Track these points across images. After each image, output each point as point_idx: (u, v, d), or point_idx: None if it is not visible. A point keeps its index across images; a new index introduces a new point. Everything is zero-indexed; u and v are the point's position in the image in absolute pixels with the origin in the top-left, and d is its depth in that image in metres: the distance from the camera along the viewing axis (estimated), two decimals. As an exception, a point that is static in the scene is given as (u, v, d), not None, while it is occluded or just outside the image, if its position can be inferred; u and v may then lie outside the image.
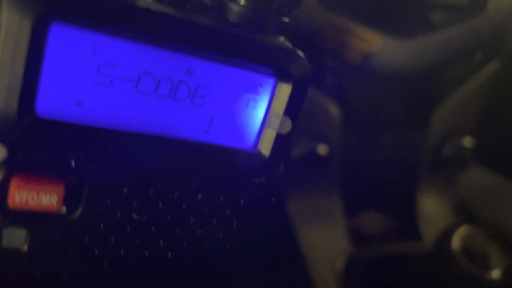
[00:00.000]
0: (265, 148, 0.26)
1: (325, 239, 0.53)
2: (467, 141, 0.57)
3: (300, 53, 0.25)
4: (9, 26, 0.19)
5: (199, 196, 0.26)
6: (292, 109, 0.25)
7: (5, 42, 0.19)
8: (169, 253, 0.26)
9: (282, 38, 0.25)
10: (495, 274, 0.43)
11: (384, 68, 0.50)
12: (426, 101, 0.55)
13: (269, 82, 0.25)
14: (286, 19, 0.25)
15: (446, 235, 0.46)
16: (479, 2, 0.52)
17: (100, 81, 0.21)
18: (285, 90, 0.25)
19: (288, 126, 0.26)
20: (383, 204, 0.58)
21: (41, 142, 0.21)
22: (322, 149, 0.51)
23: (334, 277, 0.51)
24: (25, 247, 0.22)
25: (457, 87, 0.56)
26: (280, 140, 0.26)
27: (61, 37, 0.20)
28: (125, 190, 0.24)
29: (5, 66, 0.19)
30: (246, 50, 0.23)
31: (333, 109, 0.51)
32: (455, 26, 0.52)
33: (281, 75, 0.25)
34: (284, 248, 0.53)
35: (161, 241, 0.25)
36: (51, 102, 0.21)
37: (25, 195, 0.21)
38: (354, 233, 0.55)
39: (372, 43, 0.49)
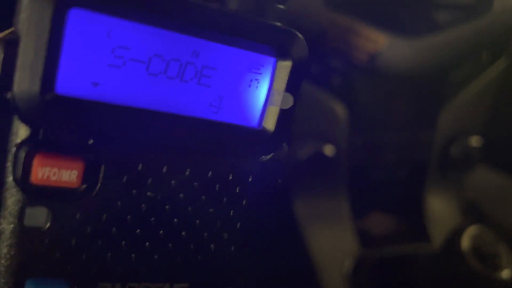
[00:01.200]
0: (270, 124, 0.27)
1: (333, 241, 0.53)
2: (475, 141, 0.57)
3: (298, 33, 0.26)
4: (32, 11, 0.20)
5: (210, 174, 0.27)
6: (292, 86, 0.27)
7: (28, 27, 0.20)
8: (183, 232, 0.27)
9: (279, 24, 0.26)
10: (505, 273, 0.42)
11: (391, 68, 0.50)
12: (433, 101, 0.55)
13: (270, 61, 0.27)
14: (281, 6, 0.27)
15: (455, 235, 0.46)
16: (485, 1, 0.52)
17: (114, 63, 0.23)
18: (285, 68, 0.27)
19: (290, 102, 0.27)
20: (391, 205, 0.58)
21: (61, 120, 0.22)
22: (328, 150, 0.51)
23: (342, 278, 0.51)
24: (47, 226, 0.23)
25: (464, 86, 0.56)
26: (283, 116, 0.27)
27: (79, 21, 0.21)
28: (139, 167, 0.25)
29: (28, 49, 0.21)
30: (248, 31, 0.25)
31: (340, 109, 0.51)
32: (462, 26, 0.52)
33: (281, 54, 0.26)
34: (292, 249, 0.53)
35: (175, 219, 0.26)
36: (70, 82, 0.22)
37: (47, 171, 0.22)
38: (362, 234, 0.55)
39: (378, 43, 0.49)
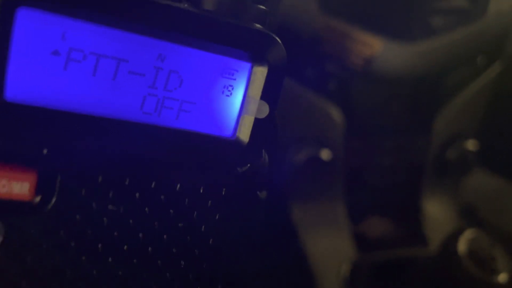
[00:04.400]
0: (244, 134, 0.26)
1: (330, 245, 0.53)
2: (471, 144, 0.57)
3: (275, 37, 0.25)
4: None
5: (178, 186, 0.25)
6: (269, 94, 0.25)
7: None
8: (149, 247, 0.25)
9: (258, 25, 0.24)
10: (502, 277, 0.42)
11: (386, 73, 0.51)
12: (429, 105, 0.55)
13: (245, 66, 0.25)
14: (262, 7, 0.25)
15: (451, 239, 0.45)
16: (480, 6, 0.53)
17: (70, 67, 0.21)
18: (261, 75, 0.25)
19: (265, 111, 0.25)
20: (388, 209, 0.58)
21: (11, 129, 0.20)
22: (325, 154, 0.51)
23: (340, 283, 0.51)
24: (0, 240, 0.22)
25: (460, 90, 0.56)
26: (259, 126, 0.26)
27: (28, 22, 0.20)
28: (99, 179, 0.23)
29: None
30: (220, 33, 0.23)
31: (335, 113, 0.51)
32: (457, 30, 0.52)
33: (257, 59, 0.25)
34: (289, 254, 0.53)
35: (140, 234, 0.25)
36: (20, 87, 0.20)
37: None
38: (359, 239, 0.54)
39: (374, 47, 0.49)
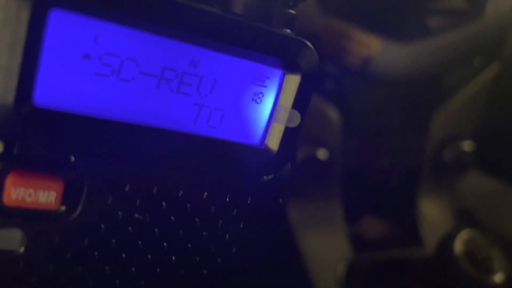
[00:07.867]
0: (273, 143, 0.25)
1: (326, 245, 0.53)
2: (467, 146, 0.57)
3: (309, 44, 0.24)
4: (7, 13, 0.18)
5: (205, 195, 0.25)
6: (300, 102, 0.24)
7: (2, 30, 0.18)
8: (173, 256, 0.25)
9: (288, 30, 0.24)
10: (498, 278, 0.42)
11: (383, 73, 0.51)
12: (426, 105, 0.55)
13: (277, 73, 0.24)
14: (292, 11, 0.24)
15: (448, 240, 0.45)
16: (477, 7, 0.53)
17: (101, 71, 0.20)
18: (293, 82, 0.24)
19: (296, 120, 0.24)
20: (384, 210, 0.58)
21: (39, 135, 0.20)
22: (322, 154, 0.51)
23: (336, 283, 0.51)
24: (22, 249, 0.21)
25: (456, 91, 0.56)
26: (288, 135, 0.25)
27: (60, 25, 0.19)
28: (127, 187, 0.22)
29: (2, 54, 0.18)
30: (252, 39, 0.22)
31: (333, 113, 0.51)
32: (454, 31, 0.52)
33: (289, 66, 0.24)
34: (285, 254, 0.53)
35: (164, 243, 0.24)
36: (50, 92, 0.20)
37: (22, 192, 0.20)
38: (355, 239, 0.54)
39: (371, 47, 0.49)
